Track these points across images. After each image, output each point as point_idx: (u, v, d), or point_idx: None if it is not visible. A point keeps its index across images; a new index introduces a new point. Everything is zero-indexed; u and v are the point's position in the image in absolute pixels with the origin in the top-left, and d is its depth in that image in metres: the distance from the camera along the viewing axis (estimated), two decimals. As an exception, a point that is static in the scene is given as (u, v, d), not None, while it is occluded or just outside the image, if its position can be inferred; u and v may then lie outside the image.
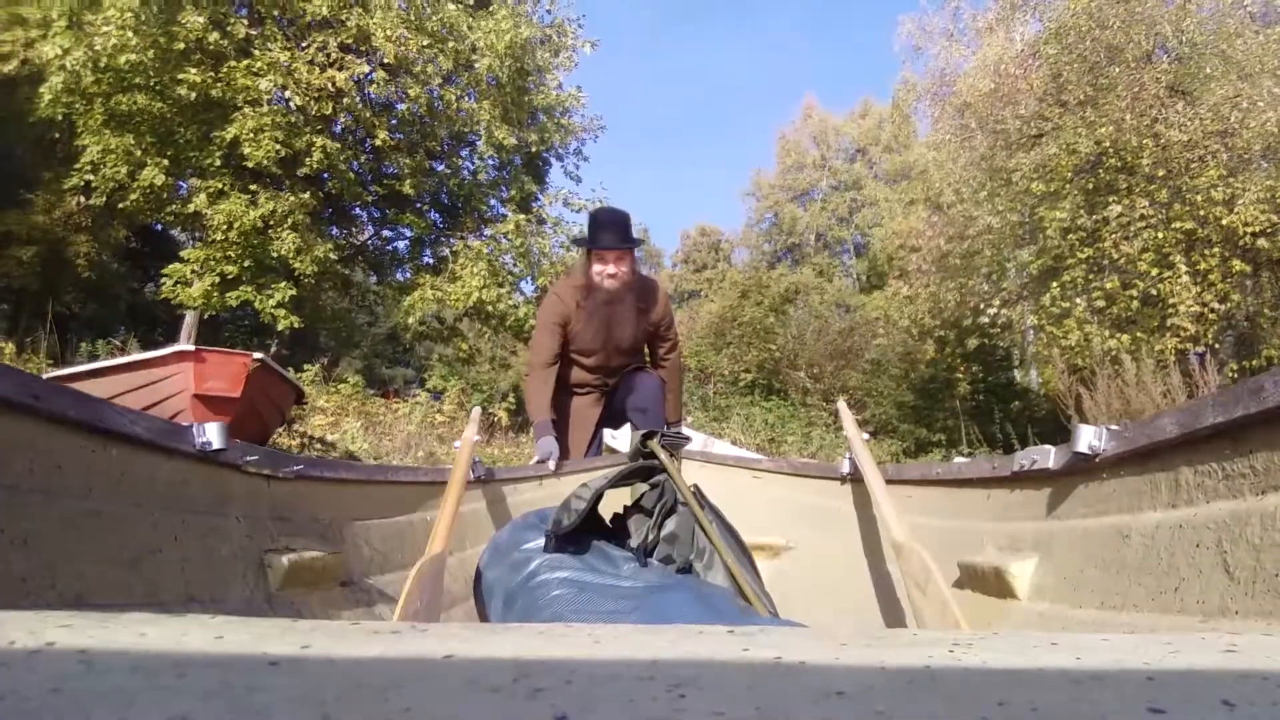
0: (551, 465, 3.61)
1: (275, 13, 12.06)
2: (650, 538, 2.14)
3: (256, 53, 11.81)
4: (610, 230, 3.72)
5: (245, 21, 11.96)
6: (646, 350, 4.15)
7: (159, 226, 14.45)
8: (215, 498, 1.84)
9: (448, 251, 13.49)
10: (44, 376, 7.00)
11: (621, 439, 5.65)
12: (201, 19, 11.12)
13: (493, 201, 14.51)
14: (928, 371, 16.00)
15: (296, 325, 12.58)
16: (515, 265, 13.37)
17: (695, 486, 2.45)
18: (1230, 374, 11.21)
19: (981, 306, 12.43)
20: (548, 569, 1.94)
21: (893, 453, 14.49)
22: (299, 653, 0.59)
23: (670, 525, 2.19)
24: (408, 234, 14.37)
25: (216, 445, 1.76)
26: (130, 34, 10.89)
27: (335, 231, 13.17)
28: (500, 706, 0.48)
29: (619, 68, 71.74)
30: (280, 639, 0.64)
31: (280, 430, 7.55)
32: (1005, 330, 12.78)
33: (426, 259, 13.90)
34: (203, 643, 0.62)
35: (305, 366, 12.59)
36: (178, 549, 1.63)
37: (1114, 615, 1.55)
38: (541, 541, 2.02)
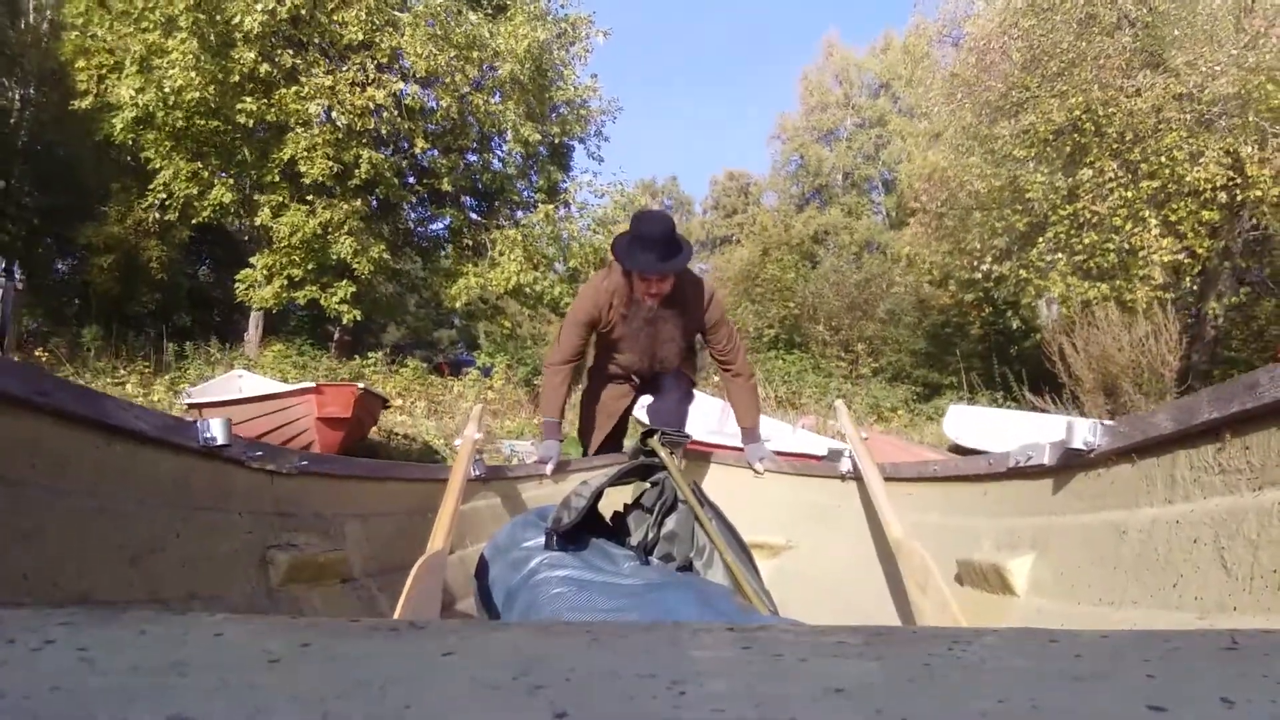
0: (549, 470, 3.52)
1: (315, 39, 12.96)
2: (650, 536, 2.16)
3: (303, 79, 12.80)
4: (651, 250, 3.27)
5: (290, 51, 12.87)
6: (713, 362, 3.81)
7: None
8: (218, 494, 1.84)
9: (486, 240, 14.54)
10: (188, 403, 8.05)
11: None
12: (251, 54, 12.04)
13: (523, 189, 15.53)
14: (940, 319, 16.87)
15: (358, 318, 13.94)
16: (548, 248, 14.35)
17: (695, 485, 2.44)
18: (1186, 318, 12.48)
19: (974, 264, 13.35)
20: (548, 567, 1.95)
21: (904, 398, 15.21)
22: (299, 650, 0.59)
23: (670, 523, 2.20)
24: (448, 223, 16.03)
25: (221, 441, 1.76)
26: (193, 73, 11.89)
27: (385, 230, 14.91)
28: (500, 704, 0.48)
29: (645, 17, 71.12)
30: (280, 636, 0.65)
31: (374, 430, 9.08)
32: (999, 284, 13.40)
33: (466, 245, 15.62)
34: (203, 640, 0.63)
35: (370, 355, 13.62)
36: (180, 545, 1.63)
37: (1112, 611, 1.54)
38: (542, 539, 2.03)
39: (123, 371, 11.33)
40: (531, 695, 0.49)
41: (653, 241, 3.29)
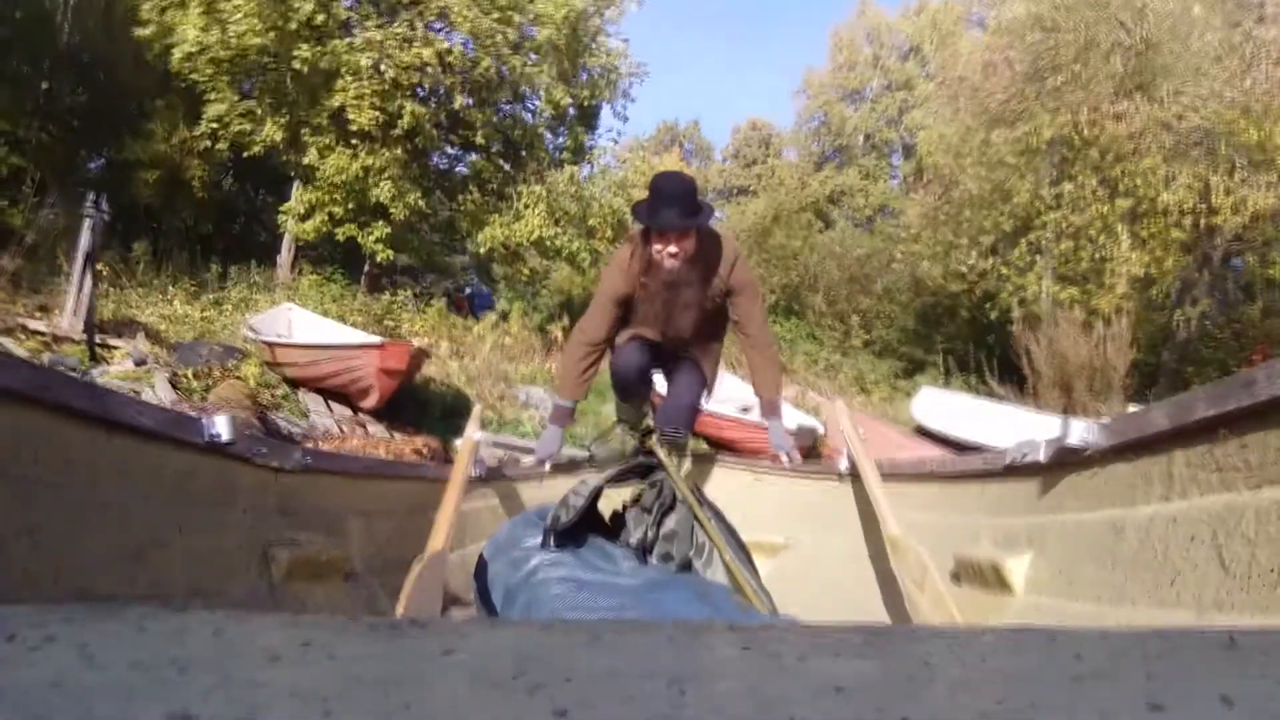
0: (548, 468, 3.42)
1: None
2: (649, 535, 2.16)
3: (356, 31, 13.43)
4: (671, 205, 3.11)
5: (345, 4, 13.49)
6: (734, 329, 3.56)
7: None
8: (222, 490, 1.86)
9: (513, 191, 15.16)
10: (265, 340, 8.84)
11: None
12: (310, 4, 12.63)
13: (550, 146, 16.20)
14: (931, 299, 17.40)
15: (391, 258, 14.87)
16: (570, 205, 15.04)
17: (694, 484, 2.43)
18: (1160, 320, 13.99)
19: (962, 257, 14.35)
20: (548, 566, 1.97)
21: (887, 373, 16.07)
22: (299, 647, 0.59)
23: (669, 523, 2.20)
24: (476, 169, 17.25)
25: (225, 438, 1.77)
26: (255, 20, 12.55)
27: (420, 175, 15.10)
28: (500, 702, 0.48)
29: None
30: (280, 634, 0.65)
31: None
32: (983, 277, 14.29)
33: (491, 191, 16.88)
34: (203, 637, 0.62)
35: (399, 293, 14.51)
36: (182, 541, 1.65)
37: (1110, 610, 1.54)
38: (541, 539, 2.05)
39: (172, 289, 11.95)
40: (531, 694, 0.48)
41: (673, 198, 3.13)
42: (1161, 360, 14.44)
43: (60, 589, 1.31)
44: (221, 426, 1.79)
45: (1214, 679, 0.53)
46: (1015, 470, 2.05)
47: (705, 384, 3.64)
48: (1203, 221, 12.06)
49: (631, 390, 3.58)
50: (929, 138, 17.21)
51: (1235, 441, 1.32)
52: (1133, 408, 11.30)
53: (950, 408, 11.54)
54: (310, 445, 6.68)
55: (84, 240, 8.35)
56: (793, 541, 3.38)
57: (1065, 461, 1.82)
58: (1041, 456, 1.90)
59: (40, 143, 15.12)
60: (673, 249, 3.17)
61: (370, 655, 0.59)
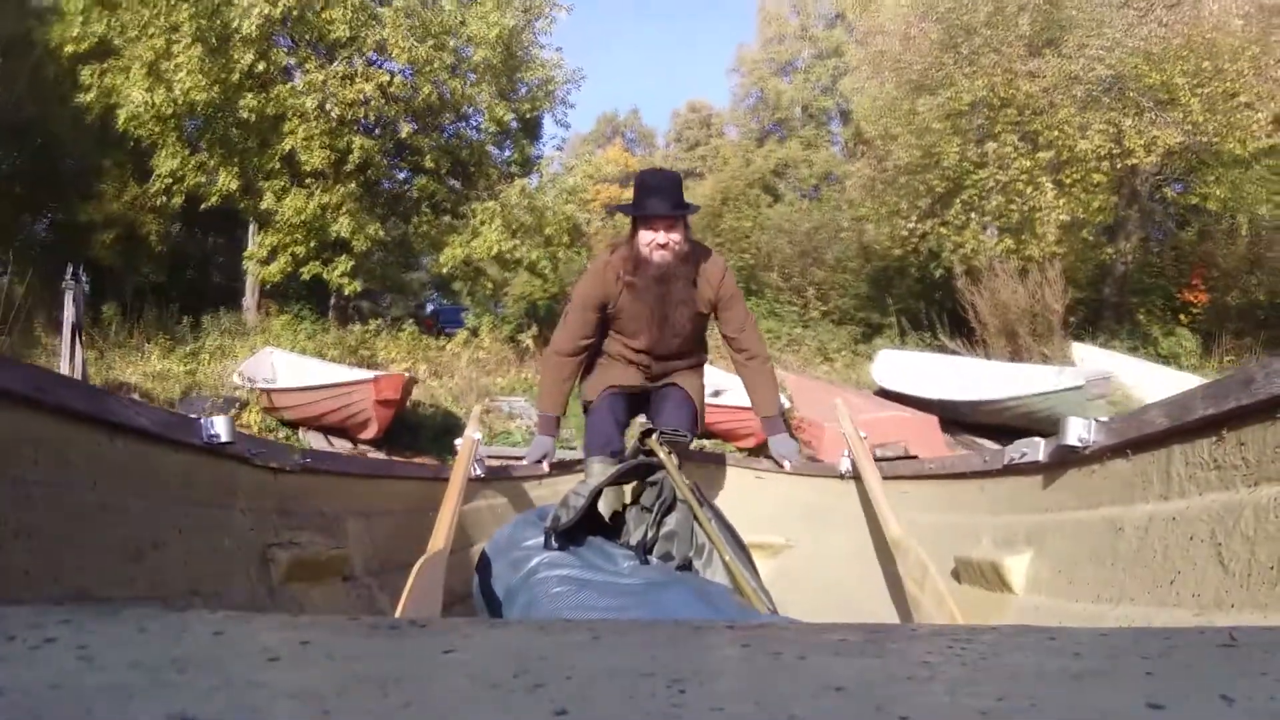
0: (546, 467, 3.38)
1: (308, 37, 13.75)
2: (649, 535, 2.16)
3: (297, 75, 13.67)
4: (659, 195, 3.05)
5: (285, 50, 13.77)
6: (725, 347, 3.45)
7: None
8: (221, 490, 1.84)
9: (467, 210, 15.46)
10: (258, 388, 9.12)
11: None
12: (250, 55, 12.80)
13: (497, 161, 16.54)
14: (880, 264, 17.91)
15: (357, 289, 15.06)
16: (525, 217, 15.21)
17: (694, 484, 2.43)
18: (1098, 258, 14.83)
19: (901, 222, 14.96)
20: (548, 566, 1.96)
21: (847, 340, 16.47)
22: (299, 648, 0.59)
23: (669, 523, 2.21)
24: (425, 189, 17.77)
25: (224, 438, 1.75)
26: (200, 76, 12.61)
27: (376, 206, 15.40)
28: (500, 702, 0.48)
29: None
30: (280, 634, 0.65)
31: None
32: (923, 239, 14.92)
33: (445, 210, 16.61)
34: (203, 638, 0.62)
35: (370, 322, 14.75)
36: (181, 542, 1.64)
37: (1109, 608, 1.54)
38: (541, 539, 2.04)
39: (148, 346, 12.01)
40: (532, 693, 0.49)
41: (660, 189, 3.07)
42: (1104, 295, 15.43)
43: (60, 589, 1.30)
44: (220, 427, 1.77)
45: (1214, 677, 0.53)
46: (1015, 469, 2.05)
47: (697, 414, 3.38)
48: (1119, 164, 12.95)
49: (607, 444, 3.26)
50: (863, 104, 17.99)
51: (1234, 439, 1.32)
52: (1075, 344, 12.25)
53: (907, 367, 12.01)
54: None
55: (68, 311, 8.57)
56: (793, 541, 3.35)
57: (1065, 460, 1.82)
58: (1041, 455, 1.90)
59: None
60: (661, 238, 3.06)
61: (370, 655, 0.59)
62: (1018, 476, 2.06)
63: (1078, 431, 1.71)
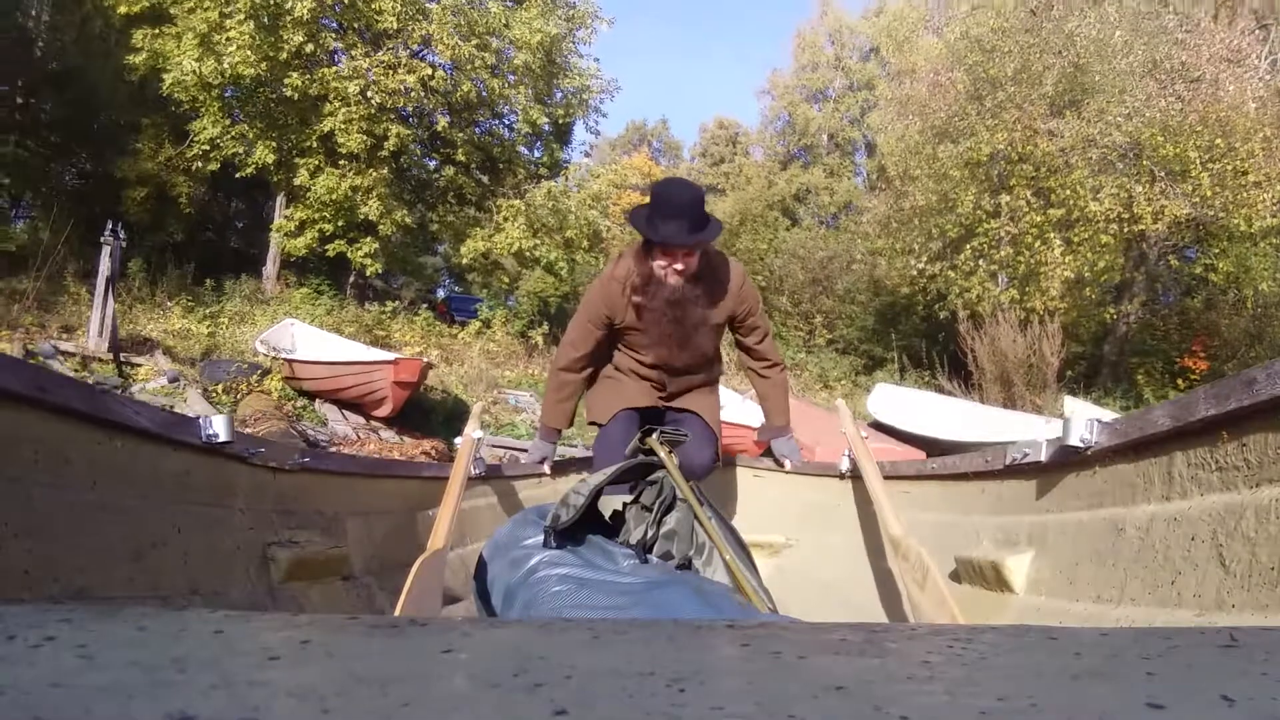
0: (547, 469, 3.35)
1: (356, 25, 14.10)
2: (649, 534, 2.14)
3: (344, 60, 13.95)
4: (676, 219, 2.71)
5: (333, 34, 14.02)
6: (740, 355, 3.30)
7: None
8: (220, 490, 1.84)
9: (492, 205, 15.83)
10: (282, 357, 9.38)
11: None
12: (299, 36, 13.17)
13: (527, 162, 16.84)
14: (889, 299, 18.10)
15: (379, 270, 15.46)
16: (548, 218, 15.69)
17: (694, 483, 2.41)
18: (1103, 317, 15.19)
19: (912, 262, 15.18)
20: (547, 565, 1.94)
21: (849, 370, 16.73)
22: (299, 647, 0.59)
23: (669, 522, 2.18)
24: (454, 181, 18.20)
25: (223, 438, 1.75)
26: (249, 52, 12.98)
27: (404, 192, 15.61)
28: (500, 701, 0.48)
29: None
30: (280, 633, 0.64)
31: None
32: (932, 280, 15.22)
33: (470, 202, 16.58)
34: (202, 637, 0.62)
35: (387, 303, 15.01)
36: (181, 541, 1.64)
37: (1110, 609, 1.54)
38: (541, 538, 2.02)
39: (169, 304, 12.27)
40: (531, 693, 0.48)
41: (679, 209, 2.73)
42: (1104, 353, 15.88)
43: (60, 589, 1.29)
44: (219, 426, 1.77)
45: (1214, 678, 0.52)
46: (1016, 470, 2.03)
47: (717, 441, 3.18)
48: (1127, 228, 13.44)
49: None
50: (888, 142, 18.50)
51: (1236, 440, 1.31)
52: (1067, 398, 12.67)
53: (903, 403, 12.13)
54: (334, 450, 7.65)
55: (104, 265, 8.86)
56: (793, 541, 3.32)
57: (1066, 461, 1.80)
58: (1042, 456, 1.88)
59: (17, 158, 15.51)
60: (678, 265, 2.80)
61: (369, 654, 0.58)
62: (1019, 477, 2.04)
63: (1079, 432, 1.70)
